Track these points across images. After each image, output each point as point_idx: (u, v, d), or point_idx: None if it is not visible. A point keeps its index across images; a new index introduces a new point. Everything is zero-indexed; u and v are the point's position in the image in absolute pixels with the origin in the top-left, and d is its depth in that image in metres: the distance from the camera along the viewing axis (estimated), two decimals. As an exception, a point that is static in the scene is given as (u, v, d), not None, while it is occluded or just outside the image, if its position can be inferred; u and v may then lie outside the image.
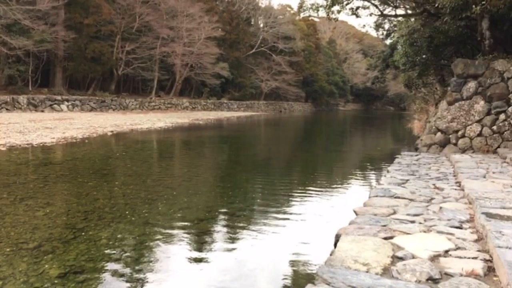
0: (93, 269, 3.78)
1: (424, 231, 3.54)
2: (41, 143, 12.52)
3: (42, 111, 26.43)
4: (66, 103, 28.59)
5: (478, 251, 3.11)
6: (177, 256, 4.23)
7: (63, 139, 13.75)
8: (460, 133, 9.86)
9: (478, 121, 9.69)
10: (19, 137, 13.47)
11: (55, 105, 27.76)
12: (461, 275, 2.66)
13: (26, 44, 25.30)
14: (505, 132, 9.42)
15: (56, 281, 3.51)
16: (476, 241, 3.35)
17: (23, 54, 26.21)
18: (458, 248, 3.15)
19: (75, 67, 31.11)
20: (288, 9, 62.71)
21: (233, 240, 4.74)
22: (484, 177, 6.11)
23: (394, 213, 4.20)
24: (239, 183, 8.43)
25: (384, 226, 3.70)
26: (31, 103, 26.26)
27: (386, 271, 2.72)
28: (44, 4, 26.38)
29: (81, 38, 30.55)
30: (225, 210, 6.05)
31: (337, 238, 3.46)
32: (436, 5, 10.80)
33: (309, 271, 3.86)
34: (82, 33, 30.66)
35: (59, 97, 28.46)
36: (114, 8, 33.16)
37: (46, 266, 3.78)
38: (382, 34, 21.16)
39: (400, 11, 15.24)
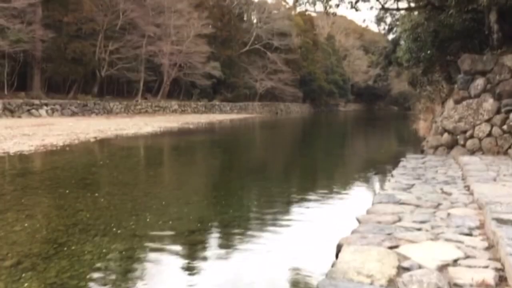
0: (76, 287, 3.76)
1: (432, 239, 3.56)
2: (19, 151, 12.45)
3: (19, 116, 26.29)
4: (45, 107, 28.46)
5: (489, 259, 3.13)
6: (167, 271, 4.22)
7: (42, 146, 13.68)
8: (468, 133, 9.92)
9: (487, 121, 9.75)
10: (-5, 145, 13.39)
11: (33, 110, 27.62)
12: (471, 285, 2.68)
13: (0, 45, 25.20)
14: (516, 132, 9.49)
15: (36, 301, 3.49)
16: (486, 249, 3.37)
17: (-3, 55, 26.13)
18: (467, 257, 3.17)
19: (55, 68, 31.01)
20: (283, 3, 62.95)
21: (227, 252, 4.74)
22: (495, 180, 6.16)
23: (400, 220, 4.22)
24: (233, 191, 8.43)
25: (389, 234, 3.72)
26: (7, 108, 26.11)
27: (391, 283, 2.74)
28: (20, 1, 26.32)
29: (60, 37, 30.47)
30: (218, 220, 6.05)
31: (339, 248, 3.47)
32: (441, -3, 10.89)
33: (309, 285, 3.87)
34: (61, 32, 30.59)
35: (37, 101, 28.33)
36: (96, 5, 33.11)
37: (26, 284, 3.76)
38: (384, 29, 21.25)
39: (403, 4, 15.43)
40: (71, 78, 33.28)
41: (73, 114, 30.31)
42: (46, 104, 28.76)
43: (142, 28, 36.05)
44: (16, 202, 6.67)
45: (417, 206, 4.81)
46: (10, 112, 26.22)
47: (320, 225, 5.74)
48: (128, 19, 34.94)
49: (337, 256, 3.35)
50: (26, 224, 5.49)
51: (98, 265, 4.28)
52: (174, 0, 39.13)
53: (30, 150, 12.86)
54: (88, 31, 32.65)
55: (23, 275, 3.94)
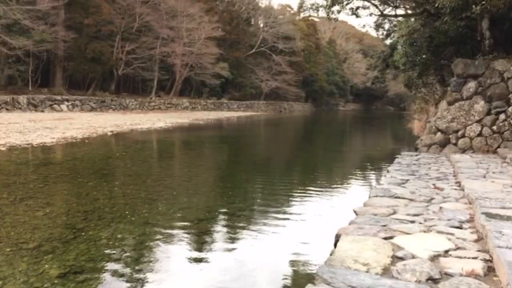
0: (93, 269, 3.78)
1: (424, 231, 3.54)
2: (41, 143, 12.51)
3: (42, 111, 26.42)
4: (66, 103, 28.58)
5: (478, 251, 3.10)
6: (177, 256, 4.23)
7: (63, 139, 13.74)
8: (460, 133, 9.86)
9: (478, 121, 9.68)
10: (19, 137, 13.46)
11: (55, 105, 27.75)
12: (461, 275, 2.66)
13: (26, 44, 25.28)
14: (505, 132, 9.42)
15: (56, 281, 3.50)
16: (476, 241, 3.34)
17: (23, 54, 26.19)
18: (458, 248, 3.15)
19: (75, 67, 31.11)
20: (288, 9, 62.76)
21: (233, 240, 4.74)
22: (484, 177, 6.11)
23: (394, 213, 4.20)
24: (239, 183, 8.43)
25: (384, 226, 3.70)
26: (31, 103, 26.25)
27: (386, 271, 2.72)
28: (44, 4, 26.37)
29: (81, 38, 30.54)
30: (225, 210, 6.05)
31: (337, 238, 3.45)
32: (436, 5, 10.79)
33: (309, 271, 3.86)
34: (82, 33, 30.65)
35: (59, 97, 28.45)
36: (114, 8, 33.15)
37: (46, 266, 3.78)
38: (382, 34, 21.12)
39: (400, 11, 15.24)
40: (90, 76, 33.38)
41: (92, 109, 30.41)
42: (67, 100, 28.87)
43: (156, 30, 36.05)
44: (38, 190, 6.71)
45: (411, 200, 4.78)
46: (34, 106, 26.35)
47: (320, 216, 5.72)
48: (144, 22, 34.95)
49: (335, 245, 3.33)
50: (47, 210, 5.52)
51: (113, 249, 4.29)
52: (187, 5, 39.05)
53: (52, 142, 12.92)
54: (107, 33, 32.70)
55: (44, 257, 3.96)
